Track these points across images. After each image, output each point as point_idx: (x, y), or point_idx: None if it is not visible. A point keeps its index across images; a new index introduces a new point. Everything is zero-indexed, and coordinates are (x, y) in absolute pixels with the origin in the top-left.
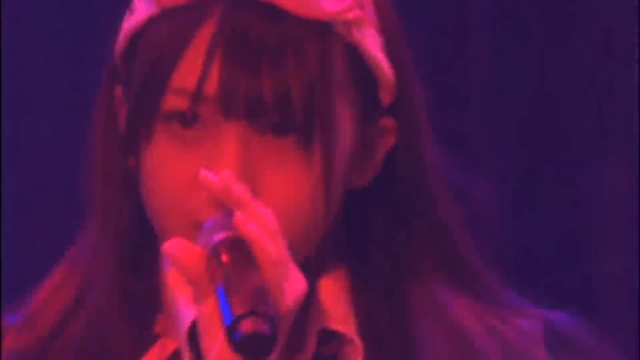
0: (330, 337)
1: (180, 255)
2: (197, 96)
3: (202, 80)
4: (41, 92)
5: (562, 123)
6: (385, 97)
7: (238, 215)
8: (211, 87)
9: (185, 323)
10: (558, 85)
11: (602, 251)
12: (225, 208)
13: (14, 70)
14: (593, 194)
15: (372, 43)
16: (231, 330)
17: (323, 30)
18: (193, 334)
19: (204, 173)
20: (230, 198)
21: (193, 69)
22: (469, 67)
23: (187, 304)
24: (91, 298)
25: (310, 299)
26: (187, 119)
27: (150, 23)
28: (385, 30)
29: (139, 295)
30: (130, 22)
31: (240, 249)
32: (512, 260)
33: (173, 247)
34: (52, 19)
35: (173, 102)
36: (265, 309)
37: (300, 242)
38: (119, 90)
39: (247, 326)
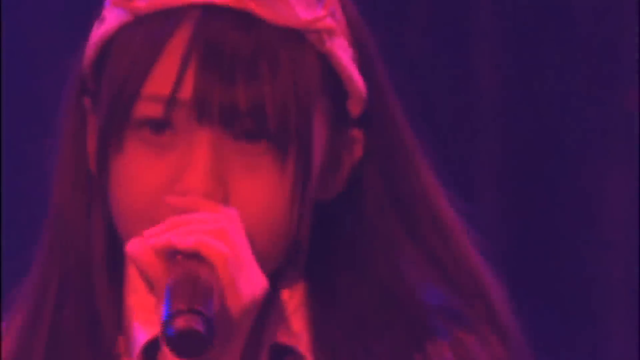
0: (282, 352)
1: (141, 254)
2: (171, 101)
3: (177, 84)
4: (41, 92)
5: (562, 123)
6: (355, 109)
7: (174, 234)
8: (186, 92)
9: (139, 344)
10: (558, 86)
11: (602, 251)
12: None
13: (14, 70)
14: (593, 194)
15: (343, 53)
16: (165, 326)
17: (297, 38)
18: (147, 355)
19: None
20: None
21: (167, 76)
22: (468, 67)
23: (143, 326)
24: (52, 316)
25: (267, 311)
26: (160, 125)
27: (122, 31)
28: (356, 43)
29: (101, 315)
30: (101, 31)
31: None
32: (511, 261)
33: (134, 247)
34: (52, 19)
35: (146, 108)
36: (204, 309)
37: (269, 249)
38: (87, 101)
39: (180, 323)
